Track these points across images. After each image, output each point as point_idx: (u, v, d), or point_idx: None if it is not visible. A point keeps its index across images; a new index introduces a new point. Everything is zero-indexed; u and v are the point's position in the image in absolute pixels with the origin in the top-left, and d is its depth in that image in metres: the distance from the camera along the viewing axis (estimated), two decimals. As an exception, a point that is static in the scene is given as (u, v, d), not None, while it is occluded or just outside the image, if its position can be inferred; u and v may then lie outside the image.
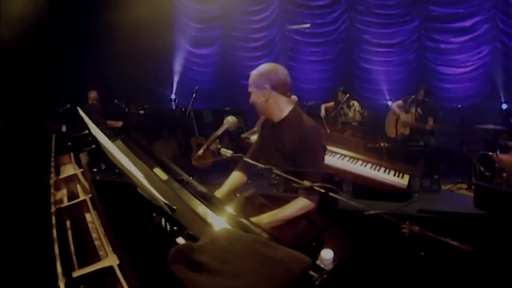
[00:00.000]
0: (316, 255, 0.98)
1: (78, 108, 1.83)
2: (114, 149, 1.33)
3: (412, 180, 3.33)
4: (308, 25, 7.04)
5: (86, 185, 1.53)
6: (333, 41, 7.36)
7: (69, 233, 1.20)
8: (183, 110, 5.64)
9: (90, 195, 1.38)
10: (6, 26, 6.21)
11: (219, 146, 1.76)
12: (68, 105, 5.79)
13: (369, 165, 3.48)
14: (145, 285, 0.86)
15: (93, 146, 1.96)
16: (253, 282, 0.83)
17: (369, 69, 7.09)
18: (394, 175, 3.38)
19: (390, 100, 6.63)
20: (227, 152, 1.71)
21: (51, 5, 6.52)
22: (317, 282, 0.88)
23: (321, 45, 7.43)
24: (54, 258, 0.97)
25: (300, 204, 1.83)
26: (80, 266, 0.99)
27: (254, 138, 3.28)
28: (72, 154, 1.95)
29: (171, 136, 6.17)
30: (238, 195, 2.09)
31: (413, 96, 4.91)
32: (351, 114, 5.55)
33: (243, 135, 3.98)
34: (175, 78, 7.95)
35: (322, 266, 0.95)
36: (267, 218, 1.79)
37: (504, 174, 3.95)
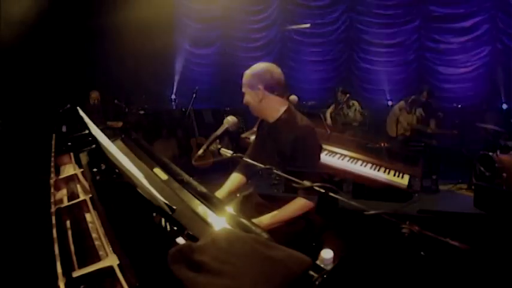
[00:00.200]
0: (316, 255, 0.98)
1: (78, 108, 1.83)
2: (114, 149, 1.33)
3: (412, 180, 3.32)
4: (308, 25, 7.06)
5: (86, 185, 1.53)
6: (333, 41, 7.36)
7: (69, 233, 1.20)
8: (183, 110, 5.64)
9: (90, 195, 1.38)
10: (6, 25, 6.20)
11: (219, 146, 1.75)
12: (68, 105, 5.78)
13: (369, 165, 3.47)
14: (145, 285, 0.85)
15: (93, 146, 1.96)
16: (253, 282, 0.83)
17: (369, 69, 7.10)
18: (394, 175, 3.37)
19: (390, 100, 6.63)
20: (227, 152, 1.71)
21: (51, 5, 6.52)
22: (317, 282, 0.88)
23: (321, 45, 7.43)
24: (54, 258, 0.97)
25: (298, 205, 1.83)
26: (80, 266, 0.99)
27: (254, 138, 3.27)
28: (72, 154, 1.95)
29: (171, 136, 6.15)
30: (238, 195, 2.09)
31: (413, 97, 4.91)
32: (351, 114, 5.55)
33: (243, 135, 3.97)
34: (176, 78, 7.93)
35: (322, 266, 0.95)
36: (266, 220, 1.79)
37: (504, 175, 3.96)
